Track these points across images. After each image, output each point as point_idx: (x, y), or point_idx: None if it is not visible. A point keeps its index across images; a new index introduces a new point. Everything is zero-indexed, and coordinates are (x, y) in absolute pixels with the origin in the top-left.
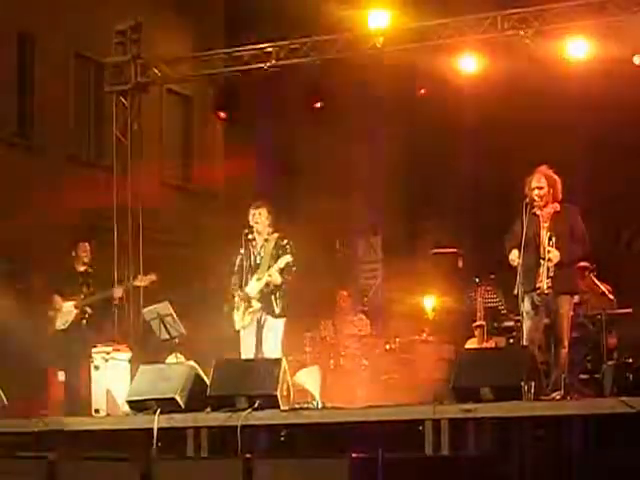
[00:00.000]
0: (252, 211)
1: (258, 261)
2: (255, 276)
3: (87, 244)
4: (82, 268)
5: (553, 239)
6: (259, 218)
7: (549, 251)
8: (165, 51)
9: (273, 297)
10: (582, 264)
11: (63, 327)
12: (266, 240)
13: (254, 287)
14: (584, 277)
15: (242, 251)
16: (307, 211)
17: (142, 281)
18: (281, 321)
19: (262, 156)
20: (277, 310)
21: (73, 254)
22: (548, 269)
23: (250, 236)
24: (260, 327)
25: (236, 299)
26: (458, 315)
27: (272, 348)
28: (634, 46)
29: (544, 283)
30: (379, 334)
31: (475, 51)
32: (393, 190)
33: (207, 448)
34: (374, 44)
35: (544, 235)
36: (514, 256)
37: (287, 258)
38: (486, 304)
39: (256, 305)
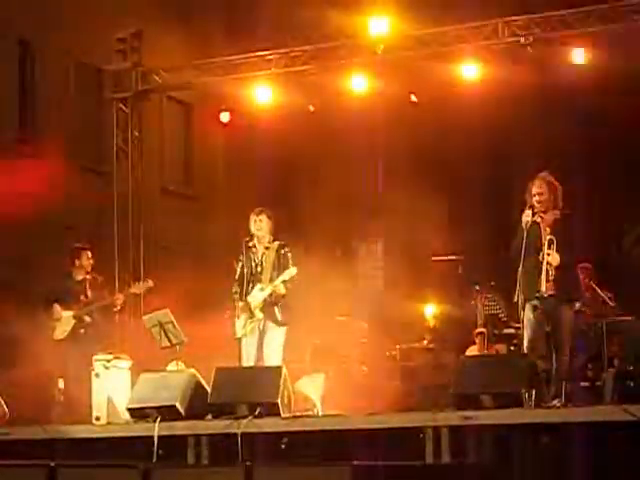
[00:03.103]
0: (253, 218)
1: (259, 269)
2: (258, 286)
3: (88, 252)
4: (80, 277)
5: (554, 243)
6: (260, 225)
7: (549, 254)
8: (165, 58)
9: (276, 306)
10: (583, 265)
11: (62, 337)
12: (267, 248)
13: (257, 297)
14: (585, 278)
15: (243, 259)
16: (308, 218)
17: (139, 288)
18: (283, 329)
19: (262, 163)
20: (280, 318)
21: (77, 263)
22: (548, 272)
23: (251, 244)
24: (262, 335)
25: (237, 307)
26: (459, 322)
27: (273, 356)
28: (634, 54)
29: (543, 286)
30: (379, 341)
31: (476, 58)
32: (393, 197)
33: (208, 456)
34: (375, 51)
35: (545, 241)
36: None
37: (292, 271)
38: (487, 311)
39: (259, 315)
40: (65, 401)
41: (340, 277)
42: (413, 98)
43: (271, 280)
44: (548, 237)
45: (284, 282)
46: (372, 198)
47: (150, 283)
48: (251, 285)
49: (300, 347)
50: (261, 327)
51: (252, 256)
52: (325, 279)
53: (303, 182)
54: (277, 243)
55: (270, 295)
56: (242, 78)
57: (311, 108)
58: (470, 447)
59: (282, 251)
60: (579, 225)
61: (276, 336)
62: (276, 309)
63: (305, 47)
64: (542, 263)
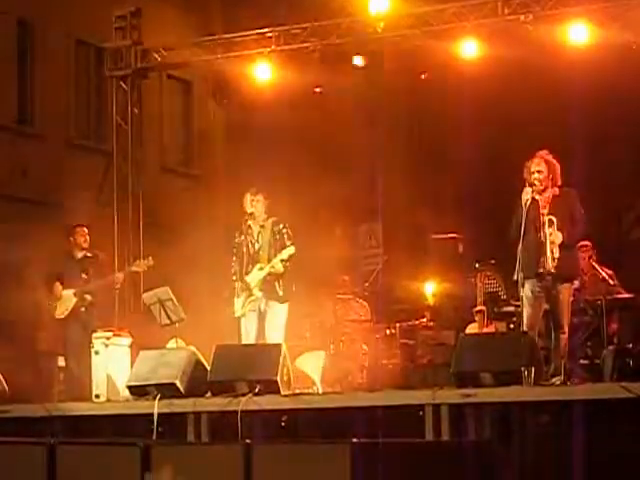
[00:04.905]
0: (249, 197)
1: (257, 248)
2: (257, 265)
3: (85, 229)
4: (80, 254)
5: (555, 222)
6: (256, 204)
7: (551, 233)
8: (165, 36)
9: (276, 283)
10: (584, 243)
11: (63, 315)
12: (262, 226)
13: (256, 276)
14: (585, 256)
15: (241, 238)
16: (307, 197)
17: (139, 266)
18: (285, 305)
19: (262, 142)
20: (281, 295)
21: (71, 240)
22: (552, 251)
23: (248, 223)
24: (262, 314)
25: (236, 286)
26: (458, 300)
27: (276, 333)
28: (635, 31)
29: (549, 264)
30: (379, 319)
31: (476, 36)
32: (393, 176)
33: (207, 433)
34: (375, 29)
35: (544, 219)
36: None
37: (290, 250)
38: (486, 289)
39: (257, 293)
40: (65, 379)
41: (339, 255)
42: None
43: (269, 259)
44: (548, 217)
45: (282, 261)
46: (373, 176)
47: (151, 261)
48: (250, 265)
49: (300, 325)
50: (262, 306)
51: (248, 236)
52: (326, 257)
53: (303, 160)
54: (271, 220)
55: (269, 274)
56: (242, 56)
57: (317, 90)
58: (470, 425)
59: (277, 228)
60: (577, 201)
61: (278, 313)
62: (277, 286)
63: (305, 25)
64: (541, 240)
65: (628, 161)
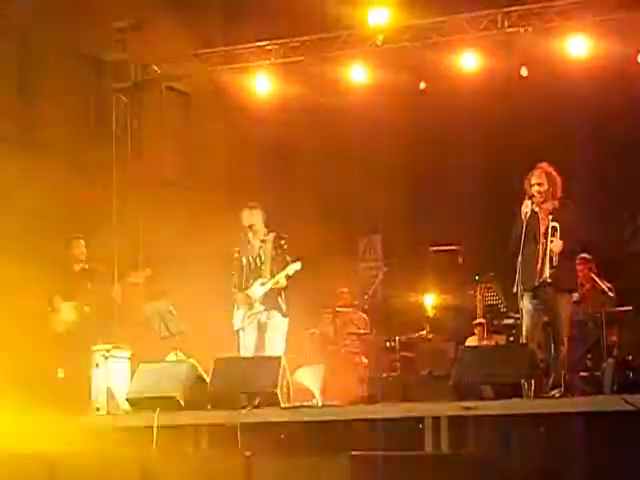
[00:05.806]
0: (248, 212)
1: (258, 263)
2: (259, 280)
3: (82, 241)
4: (78, 267)
5: (557, 230)
6: (256, 218)
7: (552, 241)
8: (165, 49)
9: (279, 297)
10: (583, 256)
11: (62, 328)
12: (263, 241)
13: (258, 291)
14: (585, 269)
15: (240, 252)
16: (307, 209)
17: (137, 277)
18: (286, 320)
19: (261, 154)
20: (284, 309)
21: (69, 253)
22: (551, 259)
23: (247, 236)
24: (262, 326)
25: (236, 299)
26: (458, 313)
27: (276, 347)
28: (635, 43)
29: (547, 272)
30: (379, 332)
31: (475, 48)
32: (393, 188)
33: (207, 446)
34: (374, 42)
35: (546, 230)
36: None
37: (296, 266)
38: (486, 302)
39: (259, 307)
40: (65, 391)
41: (339, 268)
42: (422, 85)
43: (271, 273)
44: (551, 224)
45: (287, 276)
46: (372, 189)
47: (148, 272)
48: (251, 279)
49: (299, 338)
50: (262, 319)
51: (249, 251)
52: (325, 270)
53: (303, 172)
54: (272, 235)
55: (271, 289)
56: (242, 68)
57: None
58: (469, 437)
59: (279, 242)
60: (577, 214)
61: (278, 326)
62: (280, 300)
63: (304, 37)
64: (540, 252)
65: (629, 173)
